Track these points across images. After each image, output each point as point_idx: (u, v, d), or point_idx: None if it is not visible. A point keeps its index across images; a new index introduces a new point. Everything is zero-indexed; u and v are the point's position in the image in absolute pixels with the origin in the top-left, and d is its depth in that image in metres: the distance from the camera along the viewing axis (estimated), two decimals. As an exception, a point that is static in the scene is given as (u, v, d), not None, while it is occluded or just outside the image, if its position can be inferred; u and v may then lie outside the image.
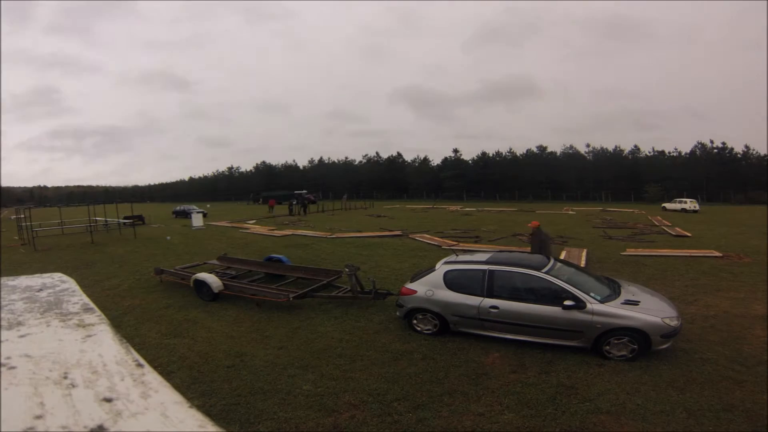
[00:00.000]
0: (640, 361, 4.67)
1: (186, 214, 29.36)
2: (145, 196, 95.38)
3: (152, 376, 0.68)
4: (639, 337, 4.69)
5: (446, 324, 5.60)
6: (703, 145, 55.33)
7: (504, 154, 66.33)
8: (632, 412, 3.78)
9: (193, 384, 4.49)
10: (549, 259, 5.88)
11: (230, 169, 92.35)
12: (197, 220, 22.71)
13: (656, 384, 4.24)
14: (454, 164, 66.42)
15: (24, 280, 1.24)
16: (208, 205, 48.08)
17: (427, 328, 5.75)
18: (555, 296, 5.04)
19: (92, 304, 1.03)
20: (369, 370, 4.74)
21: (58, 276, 1.31)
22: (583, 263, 9.89)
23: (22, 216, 18.69)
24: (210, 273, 8.28)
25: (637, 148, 60.81)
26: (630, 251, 11.88)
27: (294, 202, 32.75)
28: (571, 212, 31.06)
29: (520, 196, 55.71)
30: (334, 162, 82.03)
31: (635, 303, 4.98)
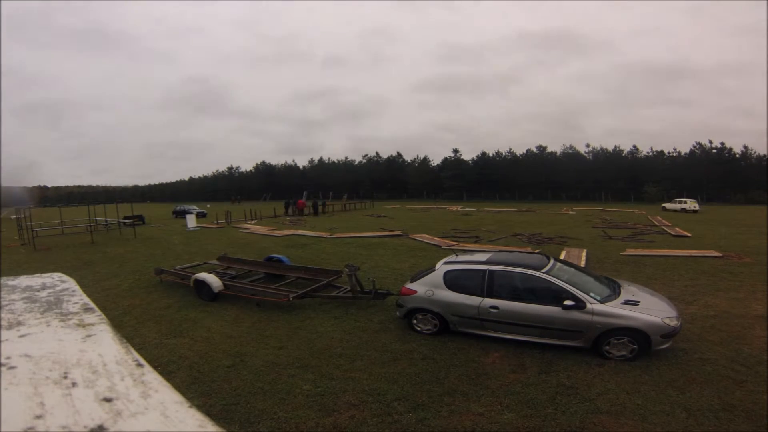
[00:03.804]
0: (640, 361, 4.67)
1: (186, 214, 29.37)
2: (145, 196, 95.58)
3: (152, 376, 0.68)
4: (639, 337, 4.69)
5: (446, 324, 5.60)
6: (702, 146, 55.41)
7: (504, 154, 66.42)
8: (632, 412, 3.78)
9: (193, 384, 4.49)
10: (549, 259, 5.88)
11: (230, 169, 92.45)
12: (191, 222, 22.59)
13: (656, 384, 4.24)
14: (454, 164, 66.48)
15: (24, 280, 1.24)
16: (208, 205, 48.12)
17: (427, 328, 5.75)
18: (555, 296, 5.03)
19: (92, 304, 1.03)
20: (369, 370, 4.73)
21: (58, 276, 1.30)
22: (583, 263, 9.89)
23: (22, 216, 18.70)
24: (210, 273, 8.29)
25: (636, 148, 60.92)
26: (630, 251, 11.89)
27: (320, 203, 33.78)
28: (570, 212, 31.09)
29: (520, 196, 55.78)
30: (333, 162, 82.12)
31: (635, 303, 4.98)
